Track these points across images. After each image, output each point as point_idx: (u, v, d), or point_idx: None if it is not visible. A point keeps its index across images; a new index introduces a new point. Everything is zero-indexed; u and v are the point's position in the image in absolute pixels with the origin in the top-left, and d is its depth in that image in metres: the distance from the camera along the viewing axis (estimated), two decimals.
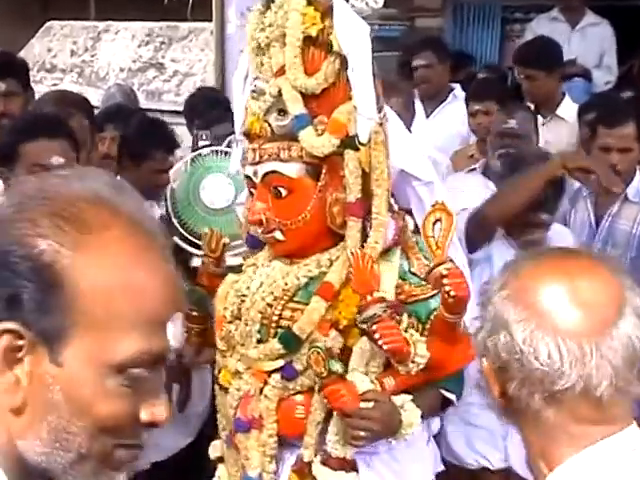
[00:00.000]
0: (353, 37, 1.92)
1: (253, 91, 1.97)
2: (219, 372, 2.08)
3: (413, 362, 1.82)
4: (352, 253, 1.87)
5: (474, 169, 3.27)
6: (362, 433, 1.81)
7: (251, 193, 2.00)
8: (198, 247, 2.57)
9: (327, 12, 1.91)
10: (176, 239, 2.77)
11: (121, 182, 1.69)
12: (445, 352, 1.85)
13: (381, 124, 1.94)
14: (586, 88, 4.85)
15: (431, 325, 1.86)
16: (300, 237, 1.95)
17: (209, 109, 3.69)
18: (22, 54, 6.04)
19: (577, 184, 3.22)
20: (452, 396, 1.95)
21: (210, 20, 5.04)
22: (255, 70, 2.01)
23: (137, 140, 3.02)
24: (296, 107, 1.90)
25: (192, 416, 2.77)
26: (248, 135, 1.97)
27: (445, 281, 1.76)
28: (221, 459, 2.10)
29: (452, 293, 1.75)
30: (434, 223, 1.85)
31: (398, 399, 1.85)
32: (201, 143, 3.38)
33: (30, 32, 6.80)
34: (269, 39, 1.94)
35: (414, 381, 1.86)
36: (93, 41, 6.52)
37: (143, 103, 5.38)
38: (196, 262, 2.58)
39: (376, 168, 1.92)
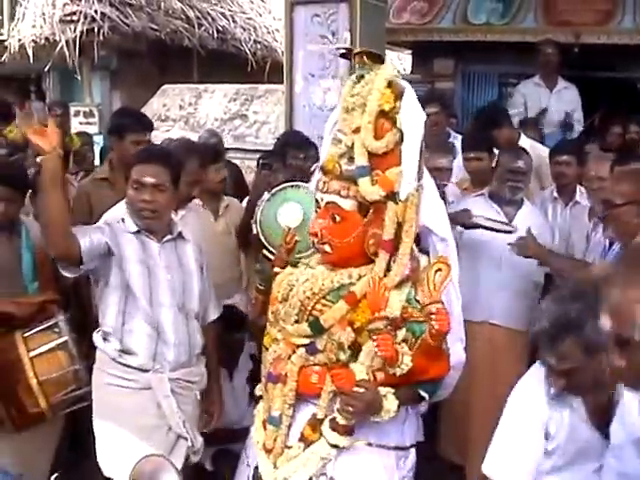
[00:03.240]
0: (413, 122, 2.07)
1: (334, 138, 2.18)
2: (265, 336, 2.30)
3: (399, 367, 2.00)
4: (372, 278, 2.03)
5: (482, 194, 3.62)
6: (350, 409, 2.00)
7: (316, 212, 2.20)
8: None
9: (400, 95, 2.09)
10: (264, 251, 3.04)
11: None
12: (427, 364, 2.03)
13: (417, 190, 2.10)
14: (562, 136, 5.45)
15: (422, 341, 2.00)
16: (342, 253, 2.14)
17: (300, 144, 3.95)
18: (145, 109, 6.39)
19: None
20: (425, 394, 2.12)
21: (282, 82, 5.24)
22: (339, 122, 2.20)
23: None
24: (361, 160, 2.09)
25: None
26: (324, 170, 2.17)
27: (433, 317, 1.94)
28: (261, 397, 2.33)
29: (436, 327, 1.93)
30: (436, 271, 2.02)
31: (383, 390, 2.02)
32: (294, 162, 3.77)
33: (150, 93, 7.11)
34: (354, 104, 2.13)
35: (399, 380, 2.03)
36: (196, 98, 6.80)
37: (231, 144, 5.88)
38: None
39: (407, 222, 2.09)
